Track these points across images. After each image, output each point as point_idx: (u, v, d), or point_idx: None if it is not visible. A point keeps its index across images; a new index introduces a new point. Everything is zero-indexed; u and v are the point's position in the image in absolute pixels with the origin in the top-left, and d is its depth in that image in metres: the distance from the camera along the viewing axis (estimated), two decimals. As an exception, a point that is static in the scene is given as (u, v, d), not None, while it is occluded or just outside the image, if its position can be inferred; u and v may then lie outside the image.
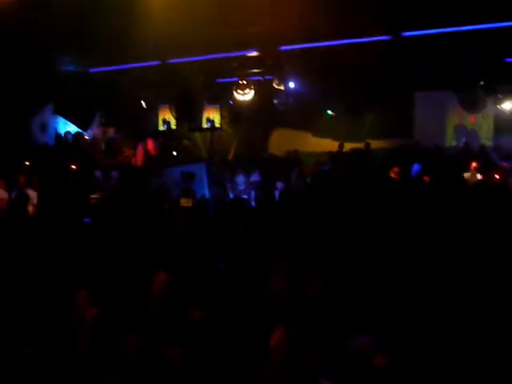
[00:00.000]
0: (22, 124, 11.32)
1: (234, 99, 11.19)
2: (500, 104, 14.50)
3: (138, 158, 12.36)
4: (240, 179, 11.67)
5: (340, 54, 9.60)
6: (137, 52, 9.50)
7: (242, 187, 11.30)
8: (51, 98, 11.99)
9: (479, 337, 3.50)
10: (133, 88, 11.85)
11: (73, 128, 12.67)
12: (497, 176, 10.18)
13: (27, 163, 10.15)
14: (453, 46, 9.42)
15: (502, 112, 14.56)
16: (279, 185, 11.63)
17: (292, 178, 11.59)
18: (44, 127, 12.20)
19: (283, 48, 9.44)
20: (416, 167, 11.50)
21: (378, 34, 8.76)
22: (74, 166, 10.36)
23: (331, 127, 15.94)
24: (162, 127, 13.34)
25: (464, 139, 14.91)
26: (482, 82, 12.23)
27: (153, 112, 13.41)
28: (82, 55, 10.25)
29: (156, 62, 10.37)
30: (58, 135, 12.35)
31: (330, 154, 14.02)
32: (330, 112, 15.71)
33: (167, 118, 13.17)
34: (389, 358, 3.05)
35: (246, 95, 10.60)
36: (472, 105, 14.89)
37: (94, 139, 12.69)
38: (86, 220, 7.75)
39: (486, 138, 15.36)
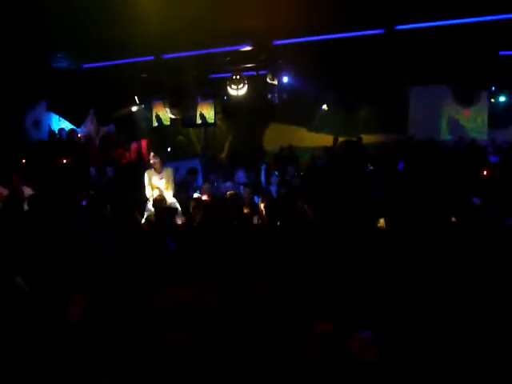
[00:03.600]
0: (15, 121, 11.27)
1: (227, 94, 11.16)
2: (494, 98, 14.58)
3: (133, 157, 12.36)
4: (239, 174, 11.77)
5: (334, 48, 9.59)
6: (130, 47, 9.46)
7: (241, 181, 11.37)
8: (44, 94, 11.94)
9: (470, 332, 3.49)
10: (127, 84, 11.82)
11: (66, 124, 12.63)
12: (485, 173, 10.19)
13: (23, 161, 10.13)
14: (446, 40, 9.41)
15: (496, 106, 14.64)
16: (273, 179, 11.67)
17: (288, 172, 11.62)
18: (37, 124, 12.14)
19: (277, 42, 9.42)
20: (401, 166, 11.57)
21: (372, 28, 8.76)
22: (64, 161, 10.31)
23: (326, 122, 15.98)
24: (155, 123, 13.32)
25: (456, 133, 14.99)
26: (476, 76, 12.27)
27: (147, 108, 13.37)
28: (75, 51, 10.20)
29: (150, 58, 10.33)
30: (51, 132, 12.31)
31: (325, 148, 14.05)
32: (325, 107, 15.76)
33: (160, 114, 13.15)
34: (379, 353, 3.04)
35: (239, 90, 10.57)
36: (466, 99, 14.96)
37: (87, 136, 12.66)
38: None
39: (481, 131, 15.41)
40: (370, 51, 9.99)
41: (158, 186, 8.28)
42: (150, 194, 8.30)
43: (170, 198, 8.23)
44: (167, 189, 8.32)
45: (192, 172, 10.83)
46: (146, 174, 8.45)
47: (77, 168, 10.40)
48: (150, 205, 8.10)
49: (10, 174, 9.08)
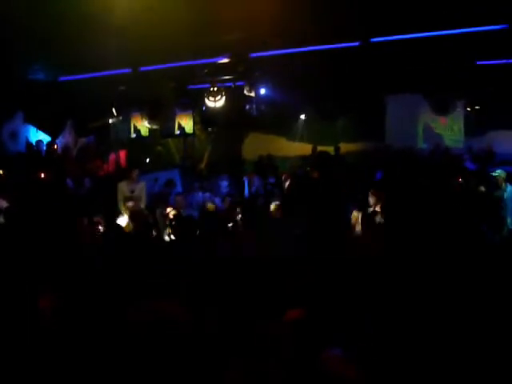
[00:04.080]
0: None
1: (206, 105, 11.20)
2: (470, 106, 14.75)
3: (110, 168, 12.30)
4: (223, 183, 11.81)
5: (311, 60, 9.66)
6: (108, 60, 9.45)
7: (225, 190, 11.43)
8: (21, 105, 11.85)
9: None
10: (104, 96, 11.77)
11: (43, 136, 12.53)
12: (460, 180, 10.32)
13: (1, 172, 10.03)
14: (422, 50, 9.53)
15: (472, 114, 14.80)
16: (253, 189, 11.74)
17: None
18: (14, 135, 12.01)
19: (254, 55, 9.47)
20: (378, 175, 11.65)
21: (348, 41, 8.85)
22: (42, 175, 10.24)
23: (305, 131, 16.05)
24: (133, 134, 13.30)
25: (431, 142, 15.09)
26: (451, 85, 12.41)
27: (125, 119, 13.33)
28: (52, 63, 10.16)
29: (127, 70, 10.32)
30: (29, 144, 12.19)
31: (304, 158, 14.15)
32: (303, 116, 15.83)
33: (138, 125, 13.14)
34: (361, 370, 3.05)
35: (217, 102, 10.63)
36: (442, 108, 15.12)
37: (65, 147, 12.56)
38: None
39: (457, 140, 15.56)
40: (346, 62, 10.09)
41: (130, 196, 8.41)
42: (121, 205, 8.41)
43: None
44: (139, 201, 8.43)
45: (169, 184, 10.80)
46: (118, 186, 8.60)
47: (54, 180, 10.33)
48: (121, 217, 8.18)
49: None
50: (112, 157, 12.48)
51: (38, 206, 8.50)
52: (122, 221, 8.31)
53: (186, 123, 13.41)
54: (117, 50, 8.67)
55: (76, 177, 10.81)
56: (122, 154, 12.68)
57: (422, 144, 15.49)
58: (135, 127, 13.36)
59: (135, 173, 9.04)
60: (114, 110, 12.46)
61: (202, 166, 14.20)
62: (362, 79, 11.59)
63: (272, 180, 12.49)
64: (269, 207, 8.54)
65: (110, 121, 13.03)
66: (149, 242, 7.02)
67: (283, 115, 15.05)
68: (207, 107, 11.23)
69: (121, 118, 13.00)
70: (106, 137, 13.48)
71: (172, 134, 13.69)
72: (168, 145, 14.72)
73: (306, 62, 9.78)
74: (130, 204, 8.52)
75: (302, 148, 15.44)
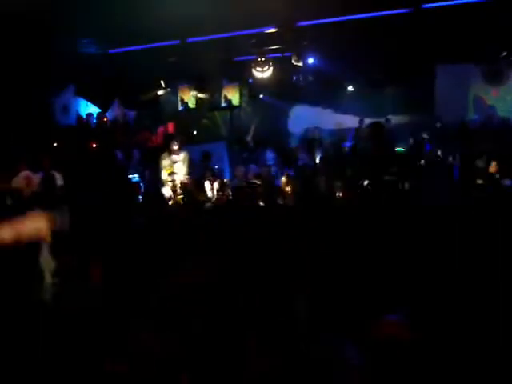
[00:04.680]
0: (44, 105, 11.43)
1: (253, 77, 11.18)
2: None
3: (159, 140, 12.45)
4: (269, 155, 11.83)
5: (360, 28, 9.50)
6: (156, 32, 9.52)
7: (271, 162, 11.47)
8: (72, 79, 12.08)
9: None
10: (153, 68, 11.89)
11: (94, 109, 12.77)
12: None
13: (55, 144, 10.29)
14: (474, 17, 9.24)
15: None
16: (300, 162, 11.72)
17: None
18: (66, 108, 12.30)
19: (301, 24, 9.38)
20: (427, 147, 11.46)
21: (399, 7, 8.67)
22: (93, 146, 10.49)
23: (352, 103, 15.82)
24: (180, 107, 13.42)
25: (482, 113, 14.69)
26: (505, 54, 12.02)
27: (172, 92, 13.46)
28: (103, 36, 10.30)
29: (175, 42, 10.39)
30: (79, 116, 12.46)
31: (351, 130, 14.00)
32: (351, 88, 15.60)
33: (186, 97, 13.23)
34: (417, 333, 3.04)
35: (264, 72, 10.61)
36: (495, 78, 14.65)
37: (114, 120, 12.78)
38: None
39: (510, 110, 15.09)
40: (396, 30, 9.87)
41: (171, 169, 8.67)
42: (165, 177, 8.68)
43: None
44: (181, 171, 8.68)
45: (205, 157, 10.81)
46: (161, 157, 8.89)
47: (104, 152, 10.54)
48: (164, 189, 8.45)
49: (41, 160, 9.21)
50: (160, 129, 12.63)
51: (91, 177, 8.73)
52: (165, 190, 8.62)
53: (233, 95, 13.44)
54: (165, 21, 8.72)
55: (125, 149, 11.00)
56: (171, 126, 12.83)
57: (472, 115, 15.10)
58: (182, 99, 13.50)
59: (178, 145, 9.27)
60: (162, 82, 12.60)
61: (249, 138, 14.22)
62: (412, 48, 11.33)
63: (319, 153, 12.44)
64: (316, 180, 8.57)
65: (159, 93, 13.20)
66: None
67: (330, 86, 14.88)
68: (254, 78, 11.21)
69: (169, 90, 13.16)
70: (154, 109, 13.64)
71: (218, 107, 13.75)
72: (214, 117, 14.77)
73: (354, 31, 9.63)
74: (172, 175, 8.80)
75: (350, 120, 15.26)
